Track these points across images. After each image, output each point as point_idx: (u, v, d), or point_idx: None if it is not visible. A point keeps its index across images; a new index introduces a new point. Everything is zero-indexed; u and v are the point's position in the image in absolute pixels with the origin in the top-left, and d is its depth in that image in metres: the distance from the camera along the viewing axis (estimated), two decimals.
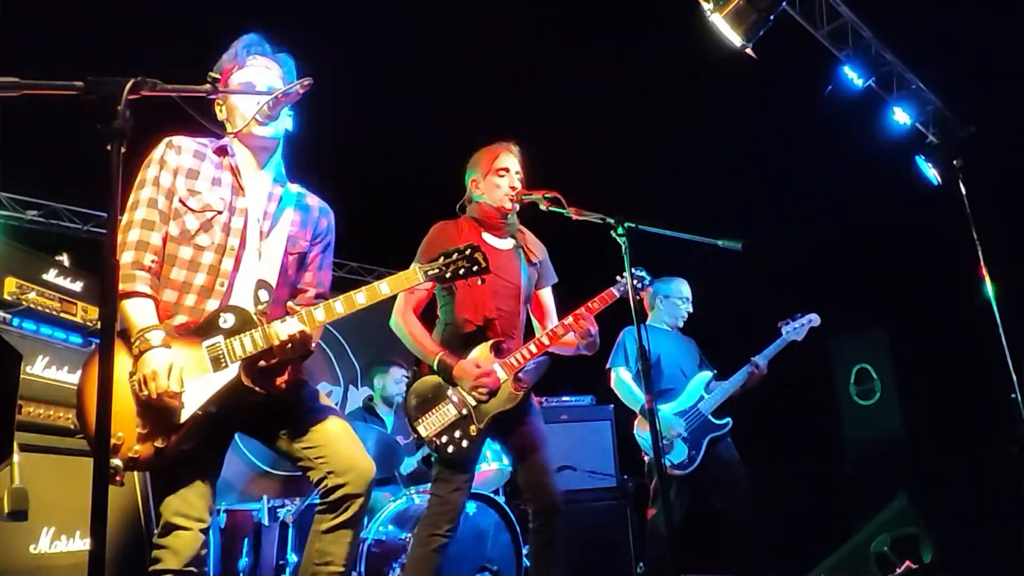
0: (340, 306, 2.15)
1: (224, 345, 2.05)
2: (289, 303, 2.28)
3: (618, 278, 3.11)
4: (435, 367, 2.83)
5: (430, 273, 2.23)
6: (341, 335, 6.88)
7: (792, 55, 4.81)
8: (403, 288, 2.22)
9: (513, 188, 2.98)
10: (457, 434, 2.76)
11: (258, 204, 2.25)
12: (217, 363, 2.04)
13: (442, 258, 2.25)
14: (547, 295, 3.19)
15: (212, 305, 2.11)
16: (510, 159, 3.04)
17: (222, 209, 2.16)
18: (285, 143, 2.36)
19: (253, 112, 2.17)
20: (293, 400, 2.21)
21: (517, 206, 3.00)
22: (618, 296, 3.08)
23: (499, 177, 3.00)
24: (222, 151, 2.24)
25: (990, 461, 4.77)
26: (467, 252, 2.26)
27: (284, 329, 2.08)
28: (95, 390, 1.90)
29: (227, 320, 2.08)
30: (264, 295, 2.16)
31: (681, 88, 5.23)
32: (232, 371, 2.05)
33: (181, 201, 2.13)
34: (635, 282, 3.01)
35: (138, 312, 2.03)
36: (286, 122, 2.30)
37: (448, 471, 2.82)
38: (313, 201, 2.42)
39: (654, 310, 4.42)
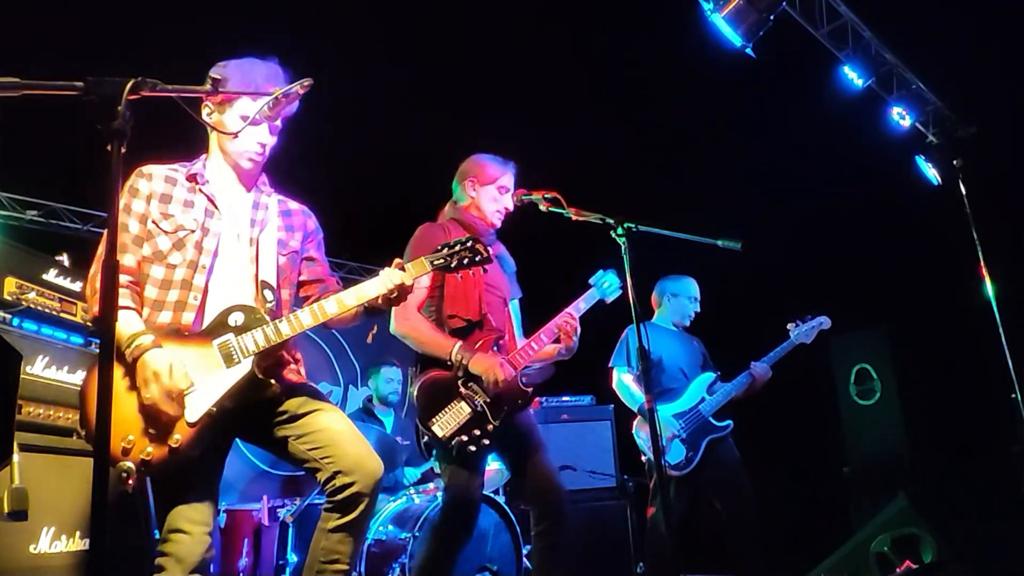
0: (351, 298, 2.21)
1: (235, 342, 2.09)
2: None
3: (591, 283, 3.09)
4: (452, 358, 2.76)
5: (436, 263, 2.29)
6: (341, 335, 6.88)
7: (792, 55, 4.82)
8: (415, 279, 2.26)
9: (506, 209, 3.04)
10: (477, 432, 2.70)
11: (241, 216, 2.29)
12: (229, 359, 2.08)
13: (445, 248, 2.31)
14: (515, 307, 3.21)
15: (188, 318, 2.13)
16: (511, 180, 3.08)
17: (195, 228, 2.20)
18: (284, 145, 2.38)
19: (247, 147, 2.25)
20: (293, 402, 2.22)
21: (500, 224, 3.07)
22: (599, 297, 3.06)
23: (500, 193, 3.04)
24: (193, 178, 2.27)
25: (990, 461, 4.77)
26: (468, 243, 2.33)
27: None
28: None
29: (236, 319, 2.12)
30: (269, 295, 2.21)
31: (681, 88, 5.24)
32: (245, 366, 2.09)
33: (154, 223, 2.18)
34: (604, 285, 3.03)
35: (123, 323, 2.04)
36: (272, 140, 2.33)
37: (464, 474, 2.74)
38: (295, 205, 2.48)
39: (661, 307, 4.41)
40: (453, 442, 2.67)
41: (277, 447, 2.22)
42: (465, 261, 2.31)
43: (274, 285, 2.24)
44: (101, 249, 2.13)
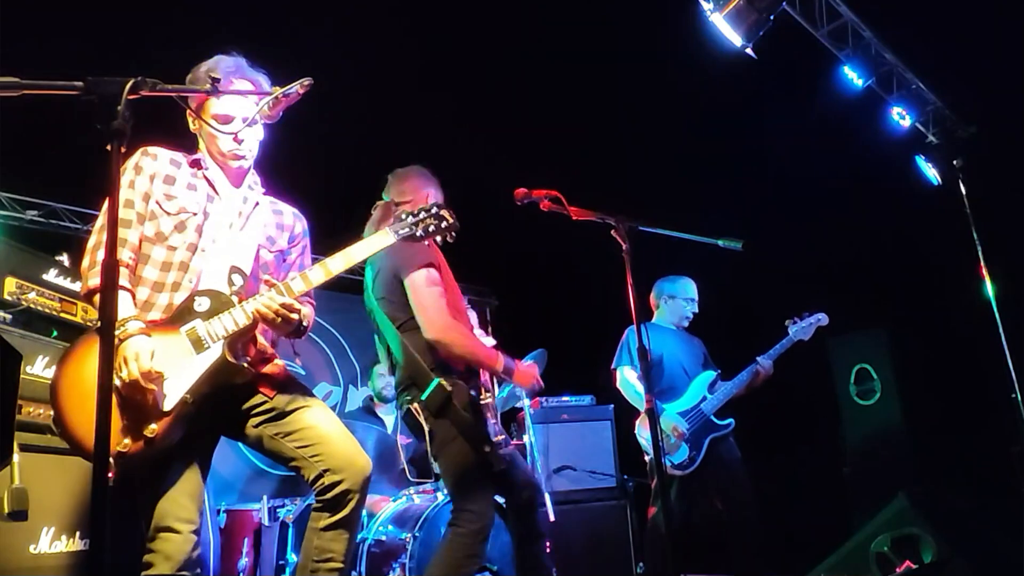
0: (317, 273, 2.17)
1: (203, 327, 2.08)
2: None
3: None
4: (500, 367, 2.77)
5: (402, 232, 2.20)
6: (341, 335, 6.87)
7: (792, 55, 4.81)
8: (376, 250, 2.20)
9: None
10: (501, 440, 2.74)
11: (233, 208, 2.30)
12: (199, 345, 2.07)
13: (409, 217, 2.20)
14: None
15: (181, 299, 2.14)
16: None
17: (197, 211, 2.21)
18: (286, 143, 2.39)
19: (228, 147, 2.24)
20: (280, 399, 2.22)
21: None
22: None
23: None
24: (196, 164, 2.28)
25: (990, 461, 4.77)
26: (432, 210, 2.22)
27: (269, 303, 2.10)
28: (72, 387, 1.96)
29: (202, 304, 2.11)
30: (238, 279, 2.19)
31: (681, 88, 5.23)
32: (215, 351, 2.07)
33: (157, 203, 2.18)
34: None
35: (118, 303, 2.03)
36: (258, 135, 2.33)
37: (485, 482, 2.71)
38: (285, 207, 2.48)
39: (659, 309, 4.41)
40: (493, 454, 2.67)
41: (263, 446, 2.22)
42: (431, 228, 2.19)
43: (246, 272, 2.23)
44: (99, 237, 2.13)
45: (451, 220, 2.22)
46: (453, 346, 2.72)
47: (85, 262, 2.13)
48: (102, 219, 2.13)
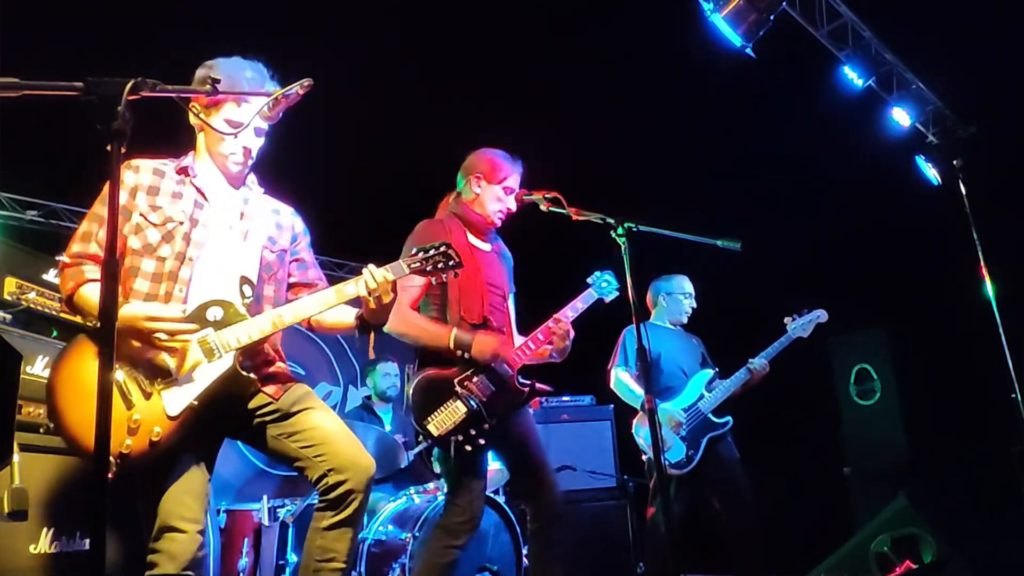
0: (332, 296, 2.23)
1: (215, 337, 2.09)
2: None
3: (589, 283, 3.09)
4: (452, 344, 2.77)
5: (413, 266, 2.31)
6: (341, 335, 6.87)
7: (792, 55, 4.81)
8: (392, 280, 2.26)
9: (508, 209, 3.02)
10: (473, 432, 2.70)
11: (231, 210, 2.30)
12: (210, 354, 2.08)
13: (420, 253, 2.33)
14: (511, 302, 3.18)
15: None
16: (517, 181, 3.06)
17: (183, 220, 2.20)
18: (289, 146, 2.40)
19: (231, 150, 2.27)
20: (284, 400, 2.23)
21: (500, 224, 3.07)
22: (597, 297, 3.06)
23: (504, 193, 3.01)
24: (183, 171, 2.28)
25: (990, 461, 4.77)
26: (441, 248, 2.35)
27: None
28: (68, 386, 1.96)
29: (215, 314, 2.12)
30: (248, 290, 2.21)
31: (681, 88, 5.23)
32: (227, 361, 2.09)
33: (142, 215, 2.17)
34: (602, 285, 3.05)
35: (96, 295, 2.05)
36: (260, 142, 2.35)
37: (467, 476, 2.75)
38: (282, 206, 2.50)
39: (656, 307, 4.42)
40: (449, 442, 2.67)
41: (267, 446, 2.22)
42: (439, 266, 2.34)
43: (254, 280, 2.25)
44: (78, 247, 2.14)
45: (457, 259, 2.37)
46: (406, 337, 2.86)
47: (60, 276, 2.14)
48: (86, 225, 2.16)
